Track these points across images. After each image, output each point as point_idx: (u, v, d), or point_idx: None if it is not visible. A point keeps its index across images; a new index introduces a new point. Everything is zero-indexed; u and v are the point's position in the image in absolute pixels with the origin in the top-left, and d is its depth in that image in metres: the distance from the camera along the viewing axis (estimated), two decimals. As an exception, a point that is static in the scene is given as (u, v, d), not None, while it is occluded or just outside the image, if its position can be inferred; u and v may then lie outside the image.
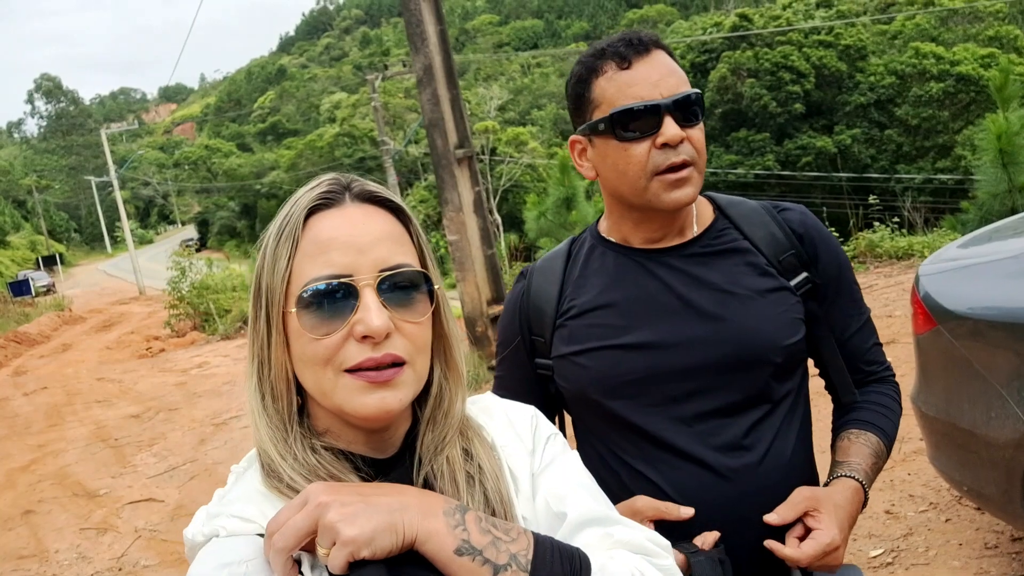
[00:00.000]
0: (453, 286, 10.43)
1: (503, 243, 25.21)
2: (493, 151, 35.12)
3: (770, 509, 1.23)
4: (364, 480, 0.88)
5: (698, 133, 1.26)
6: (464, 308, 7.88)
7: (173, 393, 10.80)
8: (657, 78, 1.24)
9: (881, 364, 1.43)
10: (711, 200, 1.41)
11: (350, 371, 0.85)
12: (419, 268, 0.90)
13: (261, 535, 0.81)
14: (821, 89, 30.73)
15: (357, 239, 0.87)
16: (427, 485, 0.92)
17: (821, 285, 1.35)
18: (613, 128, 1.25)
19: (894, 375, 1.45)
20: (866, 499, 1.30)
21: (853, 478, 1.29)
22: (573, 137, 1.37)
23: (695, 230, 1.35)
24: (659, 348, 1.28)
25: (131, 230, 42.29)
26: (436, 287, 0.91)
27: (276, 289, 0.88)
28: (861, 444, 1.34)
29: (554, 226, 12.30)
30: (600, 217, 1.44)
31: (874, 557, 3.35)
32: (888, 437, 1.37)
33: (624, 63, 1.25)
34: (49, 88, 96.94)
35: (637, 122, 1.24)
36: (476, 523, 0.82)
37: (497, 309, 7.85)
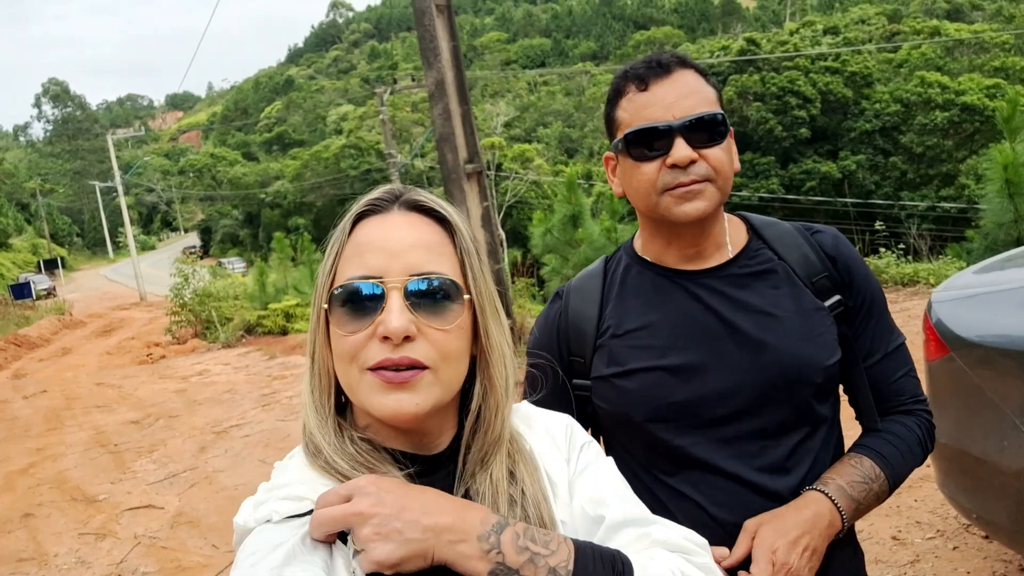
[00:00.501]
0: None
1: (506, 258, 25.24)
2: (499, 167, 35.26)
3: None
4: (403, 471, 0.91)
5: (717, 152, 1.27)
6: (469, 323, 7.87)
7: (173, 400, 10.78)
8: (672, 100, 1.26)
9: (911, 395, 1.40)
10: (745, 220, 1.42)
11: (372, 369, 0.87)
12: (453, 278, 0.91)
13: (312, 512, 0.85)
14: (827, 115, 30.89)
15: (391, 243, 0.90)
16: (467, 497, 0.93)
17: (852, 308, 1.36)
18: (628, 148, 1.30)
19: (926, 408, 1.41)
20: (843, 516, 1.25)
21: (816, 490, 1.26)
22: (606, 154, 1.42)
23: (730, 251, 1.36)
24: (703, 370, 1.29)
25: (134, 236, 42.36)
26: (467, 297, 0.92)
27: (322, 287, 0.93)
28: (849, 465, 1.31)
29: (560, 243, 12.31)
30: (634, 235, 1.45)
31: (880, 584, 3.33)
32: (890, 466, 1.32)
33: (642, 85, 1.29)
34: (56, 92, 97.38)
35: (648, 143, 1.27)
36: (513, 542, 0.83)
37: (503, 324, 7.85)
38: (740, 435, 1.28)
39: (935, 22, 36.69)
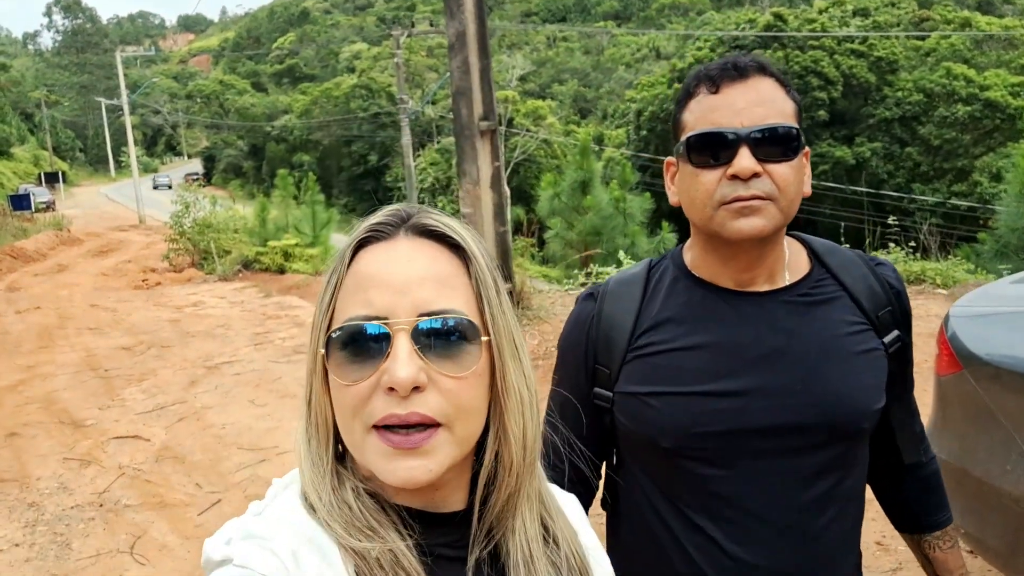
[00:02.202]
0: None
1: (510, 216, 25.10)
2: (510, 122, 34.85)
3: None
4: (406, 537, 0.79)
5: (784, 170, 1.16)
6: (469, 281, 7.81)
7: (166, 329, 10.74)
8: (742, 106, 1.16)
9: (920, 426, 1.42)
10: (806, 245, 1.32)
11: (377, 427, 0.76)
12: (468, 316, 0.79)
13: None
14: (847, 98, 30.48)
15: (398, 277, 0.78)
16: (492, 562, 0.84)
17: (907, 345, 1.31)
18: (688, 153, 1.20)
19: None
20: None
21: None
22: (668, 159, 1.31)
23: (787, 277, 1.26)
24: (746, 401, 1.20)
25: (137, 157, 41.97)
26: (486, 339, 0.80)
27: (319, 325, 0.81)
28: (954, 551, 1.42)
29: (567, 208, 12.24)
30: (682, 246, 1.35)
31: (863, 589, 3.33)
32: (950, 509, 1.45)
33: (713, 87, 1.19)
34: (68, 3, 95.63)
35: (710, 149, 1.17)
36: None
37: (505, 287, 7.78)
38: (774, 473, 1.20)
39: (966, 13, 36.02)
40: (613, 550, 1.37)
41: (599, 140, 32.47)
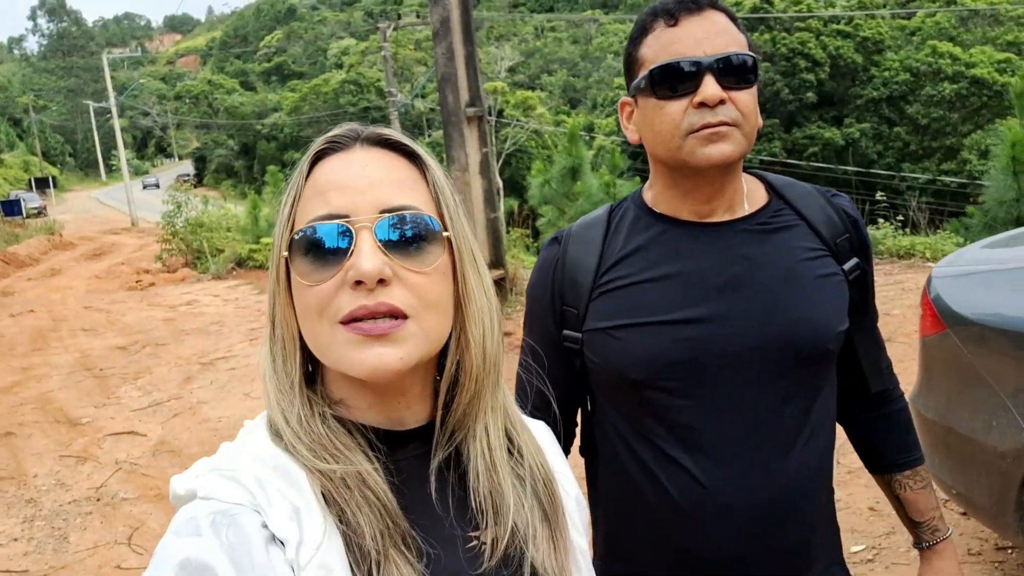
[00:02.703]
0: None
1: (503, 207, 25.08)
2: (500, 113, 34.79)
3: (797, 507, 1.22)
4: (373, 459, 0.79)
5: (746, 96, 1.19)
6: (461, 268, 7.82)
7: (160, 328, 10.74)
8: (702, 36, 1.18)
9: (888, 361, 1.44)
10: (763, 180, 1.34)
11: (345, 323, 0.76)
12: (428, 213, 0.81)
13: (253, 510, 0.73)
14: (835, 80, 30.50)
15: (356, 180, 0.79)
16: (454, 468, 0.85)
17: (866, 271, 1.33)
18: (652, 86, 1.21)
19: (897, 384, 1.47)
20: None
21: (945, 539, 1.42)
22: (622, 99, 1.31)
23: (746, 207, 1.28)
24: (709, 328, 1.21)
25: (128, 160, 41.81)
26: (447, 234, 0.81)
27: (279, 236, 0.81)
28: (925, 492, 1.42)
29: (557, 195, 12.24)
30: (642, 187, 1.36)
31: (855, 553, 3.36)
32: (921, 451, 1.45)
33: (671, 20, 1.20)
34: (52, 6, 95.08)
35: (675, 79, 1.18)
36: None
37: (496, 273, 7.80)
38: (742, 400, 1.21)
39: (952, -9, 36.02)
40: (593, 496, 1.39)
41: (589, 129, 32.42)
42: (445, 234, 0.81)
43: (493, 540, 0.82)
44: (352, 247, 0.76)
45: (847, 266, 1.28)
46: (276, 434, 0.80)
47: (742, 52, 1.18)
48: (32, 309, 12.97)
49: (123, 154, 38.78)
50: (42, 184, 55.64)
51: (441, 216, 0.82)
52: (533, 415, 1.35)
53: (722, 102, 1.17)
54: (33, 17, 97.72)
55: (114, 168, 53.05)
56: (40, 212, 39.50)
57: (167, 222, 18.95)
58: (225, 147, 66.82)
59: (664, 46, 1.20)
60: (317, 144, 0.83)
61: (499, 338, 0.87)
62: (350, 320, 0.76)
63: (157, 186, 62.15)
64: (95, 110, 54.73)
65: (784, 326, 1.21)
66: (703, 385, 1.21)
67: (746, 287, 1.22)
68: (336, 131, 0.84)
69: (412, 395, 0.85)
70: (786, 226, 1.27)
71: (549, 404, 1.27)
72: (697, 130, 1.18)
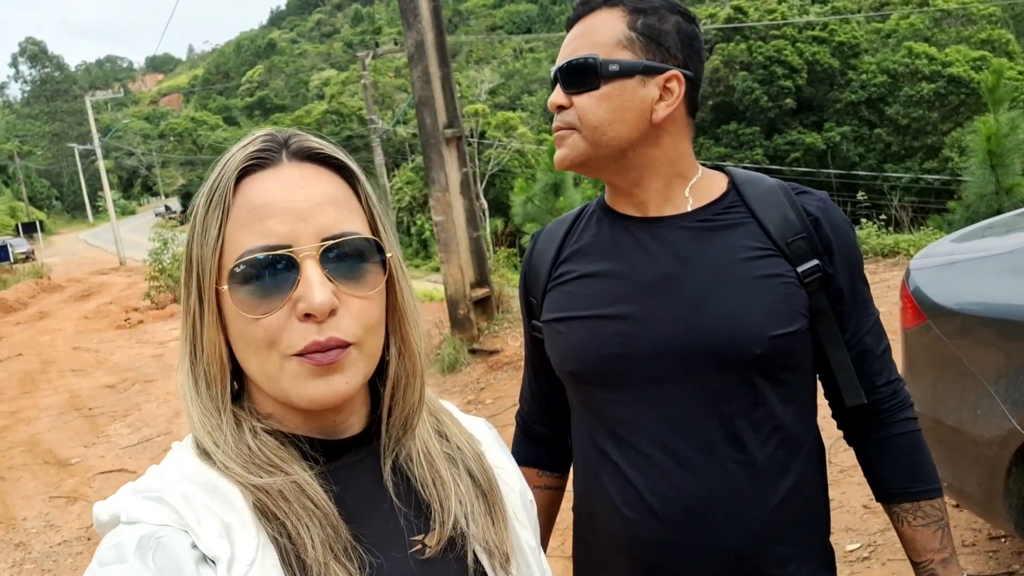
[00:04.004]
0: (436, 270, 10.34)
1: (488, 227, 25.14)
2: (482, 135, 34.94)
3: (730, 513, 1.17)
4: (312, 467, 0.78)
5: (583, 100, 1.20)
6: (447, 290, 7.81)
7: (150, 365, 10.67)
8: (567, 43, 1.24)
9: (893, 377, 1.29)
10: (729, 175, 1.31)
11: (298, 355, 0.75)
12: (368, 235, 0.79)
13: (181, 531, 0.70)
14: (813, 85, 30.77)
15: (296, 204, 0.76)
16: (398, 470, 0.85)
17: (832, 276, 1.22)
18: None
19: (905, 391, 1.31)
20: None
21: None
22: None
23: (689, 203, 1.25)
24: (637, 325, 1.20)
25: (113, 200, 41.74)
26: (389, 256, 0.81)
27: (207, 263, 0.76)
28: (927, 530, 1.25)
29: (541, 212, 12.22)
30: None
31: (851, 551, 3.33)
32: (937, 482, 1.27)
33: (568, 26, 1.27)
34: (34, 52, 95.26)
35: (552, 88, 1.26)
36: None
37: (481, 292, 7.78)
38: (671, 400, 1.18)
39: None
40: (574, 489, 1.38)
41: (573, 146, 32.54)
42: (389, 255, 0.81)
43: (440, 527, 0.82)
44: (298, 278, 0.75)
45: (803, 268, 1.20)
46: (204, 454, 0.77)
47: (585, 55, 1.20)
48: (20, 353, 12.87)
49: (109, 195, 38.72)
50: (29, 229, 55.46)
51: (375, 232, 0.82)
52: (525, 401, 1.49)
53: (562, 108, 1.23)
54: (15, 64, 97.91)
55: (101, 209, 53.01)
56: (28, 257, 39.33)
57: (154, 259, 18.90)
58: (211, 183, 66.78)
59: (560, 51, 1.27)
60: (240, 159, 0.79)
61: (425, 339, 0.88)
62: (303, 353, 0.75)
63: (168, 209, 68.25)
64: (80, 153, 54.70)
65: (707, 326, 1.17)
66: (631, 382, 1.20)
67: (676, 286, 1.20)
68: (257, 144, 0.80)
69: (348, 409, 0.84)
70: (731, 224, 1.23)
71: (537, 396, 1.43)
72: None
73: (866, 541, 3.38)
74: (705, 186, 1.28)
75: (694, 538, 1.17)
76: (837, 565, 1.32)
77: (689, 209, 1.25)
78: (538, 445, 1.46)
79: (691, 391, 1.18)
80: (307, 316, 0.74)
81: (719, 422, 1.18)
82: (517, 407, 1.53)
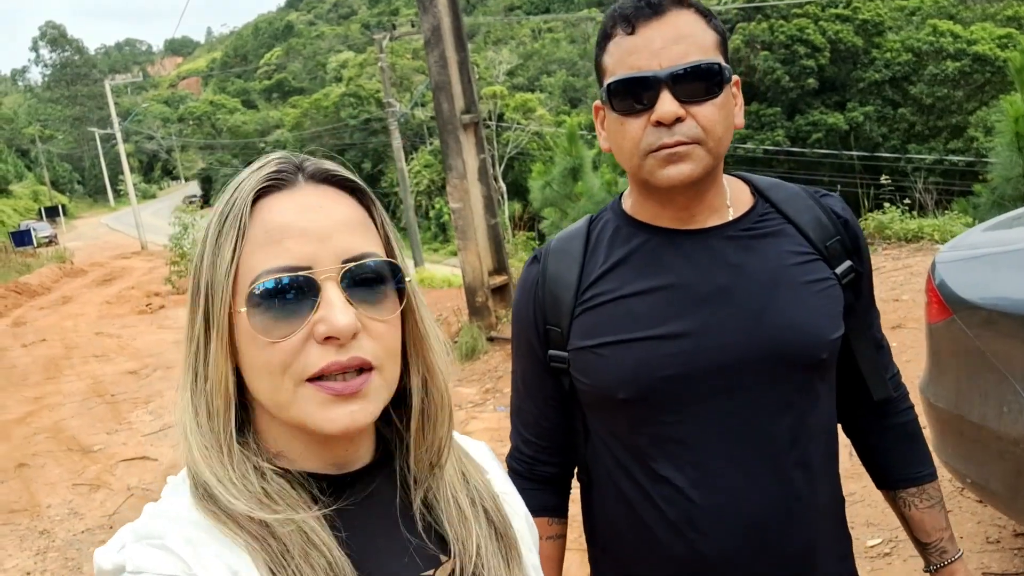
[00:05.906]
0: (455, 254, 10.34)
1: (507, 211, 25.08)
2: (500, 117, 34.80)
3: (794, 516, 1.18)
4: (322, 508, 0.75)
5: (708, 110, 1.11)
6: (465, 277, 7.80)
7: (171, 350, 10.76)
8: (660, 46, 1.10)
9: (896, 368, 1.37)
10: (748, 182, 1.28)
11: (312, 379, 0.73)
12: (387, 258, 0.78)
13: None
14: (835, 64, 30.33)
15: (315, 226, 0.74)
16: (428, 507, 0.83)
17: (861, 275, 1.26)
18: (611, 100, 1.16)
19: (903, 388, 1.39)
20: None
21: (957, 559, 1.34)
22: (596, 103, 1.25)
23: (730, 213, 1.22)
24: (697, 340, 1.16)
25: (134, 184, 42.09)
26: (407, 279, 0.79)
27: (219, 286, 0.74)
28: (932, 511, 1.34)
29: (559, 196, 12.16)
30: (620, 196, 1.30)
31: (872, 547, 3.30)
32: (933, 464, 1.36)
33: (628, 28, 1.13)
34: (54, 36, 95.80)
35: (631, 95, 1.12)
36: None
37: (499, 279, 7.76)
38: (733, 413, 1.16)
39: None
40: (589, 522, 1.34)
41: (590, 127, 32.37)
42: (408, 279, 0.79)
43: (454, 569, 0.80)
44: (319, 300, 0.73)
45: (840, 269, 1.22)
46: (206, 492, 0.74)
47: (704, 60, 1.11)
48: (44, 338, 13.04)
49: (129, 179, 38.99)
50: (52, 213, 56.12)
51: (392, 255, 0.80)
52: (528, 442, 1.33)
53: (680, 119, 1.10)
54: (35, 48, 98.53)
55: (122, 193, 53.42)
56: (51, 241, 39.79)
57: (175, 244, 19.05)
58: (230, 166, 67.12)
59: (622, 57, 1.14)
60: (256, 180, 0.77)
61: (450, 367, 0.86)
62: (317, 376, 0.73)
63: (199, 196, 66.30)
64: (100, 137, 55.18)
65: (773, 335, 1.16)
66: (693, 400, 1.17)
67: (732, 297, 1.17)
68: (272, 166, 0.79)
69: (360, 439, 0.82)
70: (773, 231, 1.21)
71: (548, 432, 1.31)
72: (656, 150, 1.12)
73: (887, 536, 3.34)
74: (736, 194, 1.25)
75: (760, 547, 1.17)
76: (858, 561, 1.37)
77: (731, 218, 1.22)
78: (546, 489, 1.35)
79: (755, 401, 1.17)
80: (327, 339, 0.72)
81: (782, 429, 1.18)
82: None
